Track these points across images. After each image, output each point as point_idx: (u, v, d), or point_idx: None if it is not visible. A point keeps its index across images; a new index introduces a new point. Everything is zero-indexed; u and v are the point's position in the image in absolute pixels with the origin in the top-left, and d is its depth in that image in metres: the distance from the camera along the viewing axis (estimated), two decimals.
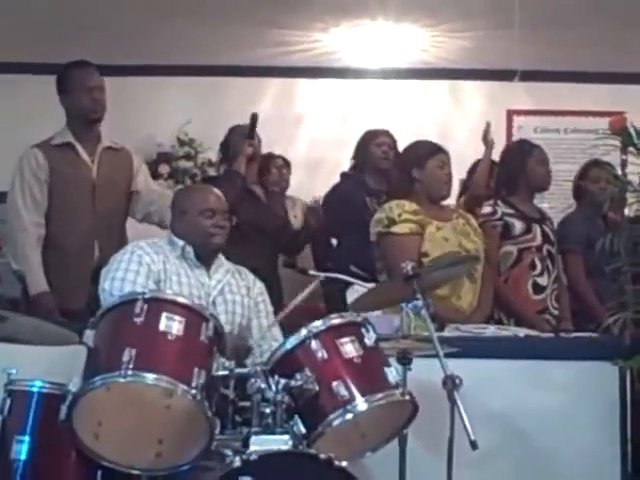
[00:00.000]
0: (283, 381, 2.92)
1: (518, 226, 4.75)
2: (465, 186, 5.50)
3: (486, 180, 5.21)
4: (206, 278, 3.60)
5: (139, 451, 2.90)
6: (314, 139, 6.80)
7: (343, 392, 2.93)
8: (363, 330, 3.10)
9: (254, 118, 4.75)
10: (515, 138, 6.63)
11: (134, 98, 6.56)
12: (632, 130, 3.96)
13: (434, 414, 3.21)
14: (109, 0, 5.61)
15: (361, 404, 2.92)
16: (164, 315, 2.92)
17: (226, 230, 3.65)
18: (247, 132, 4.83)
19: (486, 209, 4.81)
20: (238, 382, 2.99)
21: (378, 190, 5.23)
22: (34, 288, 4.30)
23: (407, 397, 3.03)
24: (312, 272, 4.44)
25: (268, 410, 2.89)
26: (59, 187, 4.41)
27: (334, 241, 5.47)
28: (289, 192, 5.82)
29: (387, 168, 5.27)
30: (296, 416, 2.92)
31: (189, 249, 3.59)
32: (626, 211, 4.10)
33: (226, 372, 2.96)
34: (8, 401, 3.01)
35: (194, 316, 2.98)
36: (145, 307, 2.92)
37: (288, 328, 3.63)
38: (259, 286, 3.75)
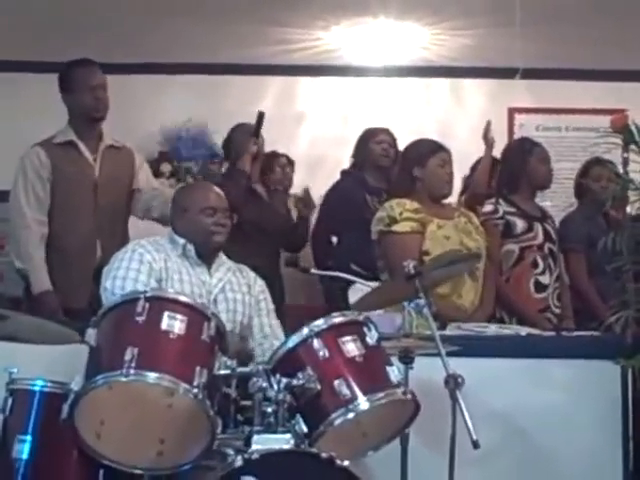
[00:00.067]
0: (285, 380, 2.91)
1: (520, 224, 4.75)
2: (467, 184, 5.49)
3: (487, 178, 5.21)
4: (207, 276, 3.60)
5: (141, 450, 2.90)
6: (315, 137, 6.80)
7: (345, 391, 2.93)
8: (365, 329, 3.10)
9: (261, 116, 4.74)
10: (516, 136, 6.62)
11: (135, 96, 6.56)
12: (633, 128, 3.96)
13: (436, 413, 3.21)
14: None
15: (363, 403, 2.92)
16: (166, 314, 2.92)
17: (227, 228, 3.65)
18: (252, 130, 4.83)
19: (487, 207, 4.81)
20: (240, 381, 2.99)
21: (378, 188, 5.23)
22: (37, 287, 4.30)
23: (409, 396, 3.03)
24: (314, 271, 4.44)
25: (270, 409, 2.89)
26: (61, 185, 4.41)
27: (334, 239, 5.47)
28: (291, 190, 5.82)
29: (387, 166, 5.28)
30: (298, 415, 2.92)
31: (190, 247, 3.59)
32: (628, 209, 4.09)
33: (228, 371, 2.96)
34: (10, 400, 3.02)
35: (196, 315, 2.98)
36: (147, 306, 2.92)
37: (289, 327, 3.64)
38: (260, 284, 3.75)
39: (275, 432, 2.87)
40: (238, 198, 4.62)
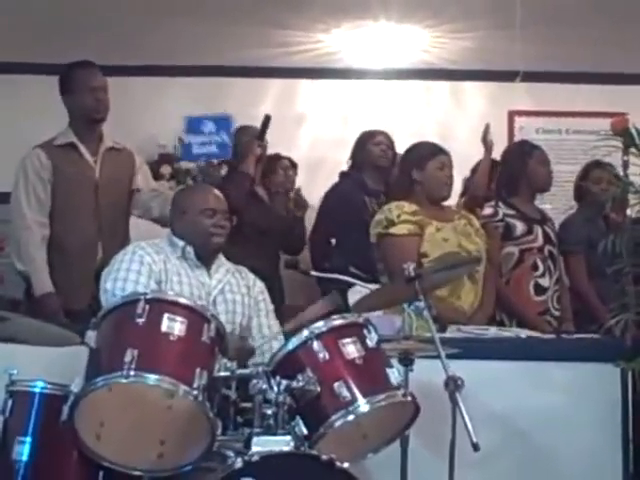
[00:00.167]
0: (285, 382, 2.92)
1: (519, 227, 4.75)
2: (467, 186, 5.50)
3: (486, 181, 5.21)
4: (206, 278, 3.60)
5: (141, 452, 2.90)
6: (315, 139, 6.80)
7: (345, 393, 2.93)
8: (365, 331, 3.10)
9: (267, 120, 4.75)
10: (516, 139, 6.61)
11: (135, 98, 6.56)
12: (634, 131, 3.96)
13: (436, 415, 3.21)
14: (109, 0, 5.61)
15: (363, 405, 2.92)
16: (166, 316, 2.92)
17: (226, 230, 3.65)
18: (257, 133, 4.83)
19: (487, 210, 4.81)
20: (240, 383, 3.00)
21: (377, 190, 5.24)
22: (39, 289, 4.31)
23: (409, 398, 3.03)
24: (314, 273, 4.44)
25: (270, 411, 2.89)
26: (62, 187, 4.42)
27: (333, 241, 5.46)
28: None
29: (386, 166, 5.28)
30: (298, 417, 2.92)
31: (189, 249, 3.59)
32: (628, 212, 4.09)
33: (228, 373, 2.97)
34: (10, 402, 3.02)
35: (196, 317, 2.98)
36: (147, 308, 2.92)
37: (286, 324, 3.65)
38: (259, 285, 3.75)
39: (275, 434, 2.87)
40: (240, 201, 4.63)
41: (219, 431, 2.89)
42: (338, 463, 2.77)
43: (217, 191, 3.75)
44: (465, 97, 7.00)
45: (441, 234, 4.33)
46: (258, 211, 4.99)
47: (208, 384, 2.86)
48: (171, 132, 6.76)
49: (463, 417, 2.91)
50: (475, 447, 2.86)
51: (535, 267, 4.72)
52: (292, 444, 2.84)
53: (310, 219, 5.52)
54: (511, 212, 4.78)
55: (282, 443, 2.84)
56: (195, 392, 2.81)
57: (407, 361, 3.27)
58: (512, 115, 6.97)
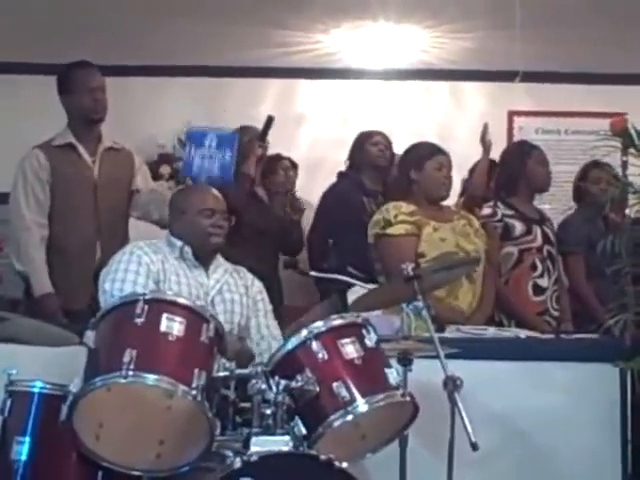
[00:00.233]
0: (284, 382, 2.92)
1: (518, 227, 4.76)
2: (466, 186, 5.50)
3: (484, 181, 5.22)
4: (205, 278, 3.60)
5: (139, 452, 2.90)
6: (315, 140, 6.80)
7: (344, 393, 2.93)
8: (364, 331, 3.10)
9: (269, 121, 4.75)
10: (516, 139, 6.62)
11: (134, 99, 6.56)
12: (633, 131, 3.96)
13: (435, 415, 3.21)
14: (109, 0, 5.61)
15: (362, 405, 2.92)
16: (165, 316, 2.92)
17: (225, 230, 3.64)
18: (258, 133, 4.84)
19: (486, 210, 4.82)
20: (239, 383, 2.99)
21: (375, 191, 5.24)
22: (39, 289, 4.31)
23: (408, 398, 3.03)
24: (313, 273, 4.44)
25: (269, 411, 2.89)
26: (61, 187, 4.42)
27: (330, 241, 5.46)
28: None
29: (384, 166, 5.29)
30: (297, 417, 2.92)
31: (187, 249, 3.59)
32: (627, 212, 4.09)
33: (227, 373, 2.97)
34: (9, 402, 3.02)
35: (195, 317, 2.98)
36: (146, 308, 2.92)
37: (288, 328, 3.65)
38: (257, 285, 3.75)
39: (274, 434, 2.87)
40: (240, 201, 4.63)
41: (218, 431, 2.89)
42: (337, 463, 2.77)
43: (216, 191, 3.75)
44: (464, 97, 7.00)
45: (438, 234, 4.34)
46: (257, 212, 4.99)
47: (207, 384, 2.86)
48: (170, 132, 6.75)
49: (462, 417, 2.91)
50: (474, 447, 2.87)
51: (534, 267, 4.72)
52: (291, 444, 2.84)
53: (308, 219, 5.52)
54: (510, 212, 4.78)
55: (281, 443, 2.84)
56: (194, 392, 2.81)
57: (406, 361, 3.27)
58: (511, 115, 6.98)
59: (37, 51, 6.22)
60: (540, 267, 4.73)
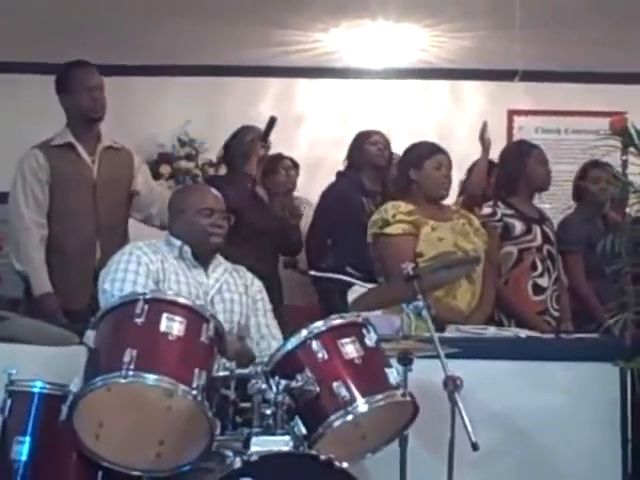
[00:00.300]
0: (284, 382, 2.91)
1: (518, 227, 4.75)
2: (463, 187, 5.49)
3: (483, 179, 5.22)
4: (204, 277, 3.59)
5: (140, 452, 2.90)
6: (314, 139, 6.80)
7: (344, 393, 2.93)
8: (364, 331, 3.10)
9: (272, 122, 4.75)
10: (516, 138, 6.63)
11: (134, 98, 6.56)
12: (632, 130, 3.95)
13: (435, 415, 3.21)
14: (109, 0, 5.61)
15: (362, 405, 2.92)
16: (165, 316, 2.92)
17: (224, 229, 3.64)
18: (260, 134, 4.84)
19: (486, 210, 4.81)
20: (239, 383, 2.99)
21: (374, 191, 5.24)
22: (38, 289, 4.31)
23: (408, 398, 3.03)
24: (313, 273, 4.44)
25: (269, 411, 2.89)
26: (60, 187, 4.41)
27: (329, 241, 5.46)
28: None
29: (383, 165, 5.29)
30: (297, 417, 2.91)
31: (187, 249, 3.58)
32: (627, 210, 4.09)
33: (227, 373, 2.97)
34: (9, 402, 3.02)
35: (195, 317, 2.98)
36: (146, 308, 2.92)
37: (287, 328, 3.64)
38: (257, 284, 3.74)
39: (274, 434, 2.87)
40: (242, 201, 4.63)
41: (218, 431, 2.88)
42: (337, 463, 2.77)
43: (215, 191, 3.74)
44: (464, 96, 7.00)
45: (436, 233, 4.33)
46: (258, 211, 4.99)
47: (207, 384, 2.86)
48: (170, 132, 6.77)
49: (462, 417, 2.91)
50: (474, 447, 2.87)
51: (534, 267, 4.72)
52: (291, 444, 2.84)
53: (308, 218, 5.52)
54: (510, 212, 4.78)
55: (281, 443, 2.84)
56: (194, 392, 2.80)
57: (406, 361, 3.27)
58: (511, 114, 6.98)
59: (37, 51, 6.22)
60: (540, 267, 4.73)
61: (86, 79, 4.47)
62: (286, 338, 3.15)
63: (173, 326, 2.91)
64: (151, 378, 2.79)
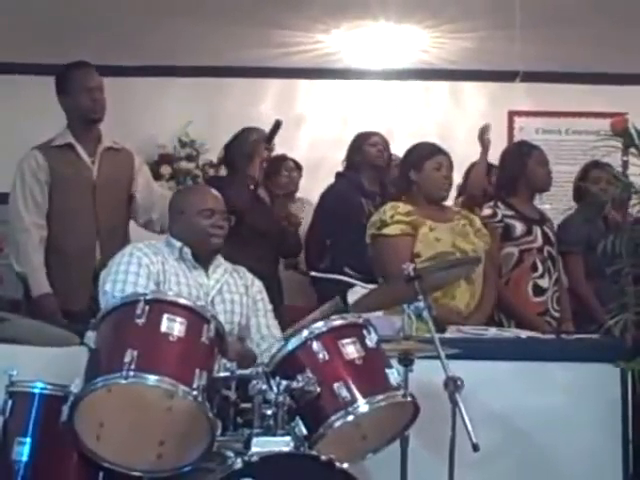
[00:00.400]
0: (284, 383, 2.91)
1: (519, 227, 4.75)
2: (461, 190, 5.49)
3: (483, 180, 5.22)
4: (204, 278, 3.59)
5: (140, 452, 2.90)
6: (315, 140, 6.81)
7: (344, 393, 2.93)
8: (365, 331, 3.09)
9: (277, 125, 4.76)
10: (516, 139, 6.63)
11: (135, 99, 6.57)
12: (633, 131, 3.95)
13: (436, 415, 3.21)
14: (109, 0, 5.61)
15: (362, 406, 2.92)
16: (165, 316, 2.92)
17: (224, 230, 3.64)
18: (263, 135, 4.85)
19: (486, 211, 4.81)
20: (239, 383, 2.99)
21: (373, 192, 5.25)
22: (36, 290, 4.30)
23: (408, 398, 3.03)
24: (314, 274, 4.43)
25: (269, 412, 2.88)
26: (60, 188, 4.41)
27: (328, 242, 5.45)
28: None
29: (383, 166, 5.30)
30: (297, 417, 2.91)
31: (187, 250, 3.58)
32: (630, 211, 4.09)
33: (227, 373, 2.96)
34: (9, 402, 3.01)
35: (195, 317, 2.97)
36: (146, 308, 2.91)
37: (287, 328, 3.64)
38: (257, 285, 3.74)
39: (274, 434, 2.87)
40: (244, 203, 4.63)
41: (219, 432, 2.88)
42: (338, 463, 2.77)
43: (215, 191, 3.74)
44: (464, 97, 7.01)
45: (434, 234, 4.33)
46: (259, 213, 4.99)
47: (208, 384, 2.85)
48: (171, 132, 6.77)
49: (463, 417, 2.91)
50: (475, 447, 2.86)
51: (534, 268, 4.71)
52: (292, 444, 2.84)
53: (308, 218, 5.52)
54: (510, 213, 4.78)
55: (282, 444, 2.84)
56: (195, 392, 2.80)
57: (407, 361, 3.27)
58: (512, 115, 6.99)
59: (37, 51, 6.22)
60: (540, 267, 4.73)
61: (86, 80, 4.47)
62: (286, 338, 3.15)
63: (174, 327, 2.91)
64: (152, 379, 2.79)
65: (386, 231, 4.32)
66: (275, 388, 2.90)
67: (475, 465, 3.32)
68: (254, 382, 2.92)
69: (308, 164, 6.14)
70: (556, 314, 4.74)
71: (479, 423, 2.93)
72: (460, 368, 3.06)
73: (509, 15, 5.27)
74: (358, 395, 2.93)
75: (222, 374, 2.96)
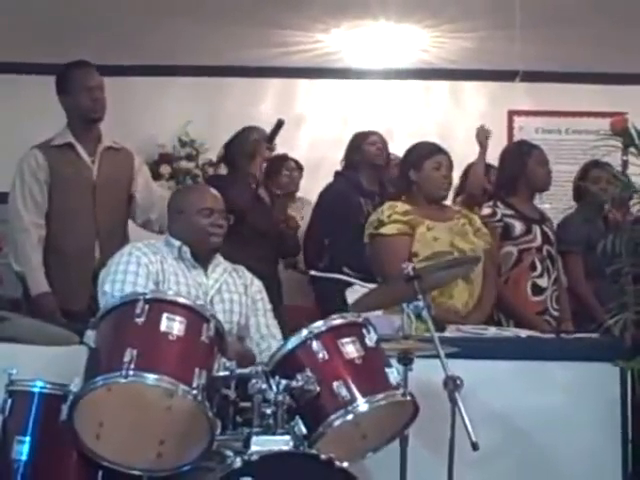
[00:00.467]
0: (284, 382, 2.91)
1: (518, 227, 4.75)
2: (458, 192, 5.48)
3: (482, 179, 5.22)
4: (204, 278, 3.59)
5: (140, 452, 2.90)
6: (315, 140, 6.81)
7: (344, 393, 2.93)
8: (364, 330, 3.10)
9: (279, 124, 4.76)
10: (516, 139, 6.63)
11: (135, 98, 6.57)
12: (633, 131, 3.95)
13: (435, 414, 3.21)
14: (109, 0, 5.61)
15: (362, 405, 2.92)
16: (165, 315, 2.92)
17: (224, 229, 3.64)
18: (265, 134, 4.85)
19: (486, 210, 4.81)
20: (239, 383, 2.99)
21: (372, 191, 5.25)
22: (35, 289, 4.30)
23: (408, 398, 3.03)
24: (313, 273, 4.43)
25: (269, 411, 2.89)
26: (59, 187, 4.41)
27: (326, 241, 5.45)
28: None
29: (382, 165, 5.30)
30: (297, 417, 2.91)
31: (186, 249, 3.58)
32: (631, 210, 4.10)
33: (227, 372, 2.96)
34: (9, 401, 3.01)
35: (195, 316, 2.98)
36: (146, 308, 2.92)
37: (287, 328, 3.64)
38: (257, 284, 3.74)
39: (274, 433, 2.87)
40: (244, 202, 4.63)
41: (218, 431, 2.88)
42: (337, 462, 2.77)
43: (214, 190, 3.74)
44: (464, 97, 7.01)
45: (432, 233, 4.33)
46: (259, 213, 4.99)
47: (207, 384, 2.86)
48: (171, 132, 6.77)
49: (462, 417, 2.91)
50: (474, 447, 2.87)
51: (533, 267, 4.71)
52: (291, 444, 2.84)
53: (307, 217, 5.52)
54: (509, 212, 4.78)
55: (281, 443, 2.84)
56: (194, 392, 2.80)
57: (406, 360, 3.27)
58: (511, 115, 6.99)
59: (37, 51, 6.22)
60: (539, 267, 4.73)
61: (86, 79, 4.47)
62: (286, 338, 3.16)
63: (173, 326, 2.91)
64: (151, 378, 2.79)
65: (383, 231, 4.32)
66: (275, 387, 2.91)
67: (474, 464, 3.32)
68: (254, 381, 2.93)
69: (308, 164, 6.14)
70: (555, 313, 4.74)
71: (478, 422, 2.93)
72: (459, 367, 3.07)
73: (509, 15, 5.27)
74: (358, 394, 2.94)
75: (222, 373, 2.96)
